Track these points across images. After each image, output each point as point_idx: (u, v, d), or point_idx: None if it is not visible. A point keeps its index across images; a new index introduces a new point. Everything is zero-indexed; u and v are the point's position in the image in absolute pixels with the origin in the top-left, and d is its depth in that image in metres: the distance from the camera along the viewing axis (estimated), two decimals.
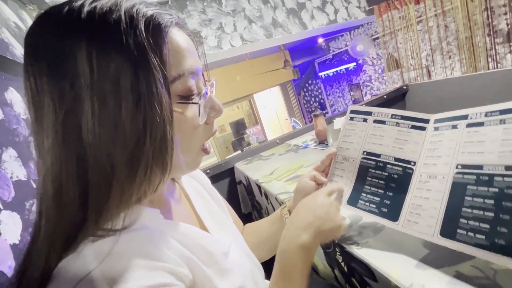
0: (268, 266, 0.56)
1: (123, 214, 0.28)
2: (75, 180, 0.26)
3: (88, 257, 0.25)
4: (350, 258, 0.45)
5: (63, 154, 0.26)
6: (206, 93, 0.34)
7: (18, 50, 0.75)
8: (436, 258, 0.38)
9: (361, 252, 0.43)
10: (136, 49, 0.26)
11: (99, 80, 0.25)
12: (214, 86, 0.39)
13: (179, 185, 0.46)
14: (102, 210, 0.27)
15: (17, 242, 0.53)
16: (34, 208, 0.61)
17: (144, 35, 0.27)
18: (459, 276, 0.34)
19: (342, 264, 0.49)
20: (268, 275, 0.50)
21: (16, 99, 0.68)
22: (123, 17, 0.26)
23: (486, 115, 0.36)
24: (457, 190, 0.35)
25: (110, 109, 0.26)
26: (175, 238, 0.32)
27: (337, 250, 0.49)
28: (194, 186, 0.50)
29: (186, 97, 0.31)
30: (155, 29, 0.28)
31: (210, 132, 0.37)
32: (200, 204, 0.46)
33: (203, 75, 0.37)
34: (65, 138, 0.26)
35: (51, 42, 0.26)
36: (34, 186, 0.64)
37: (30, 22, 0.94)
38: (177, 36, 0.31)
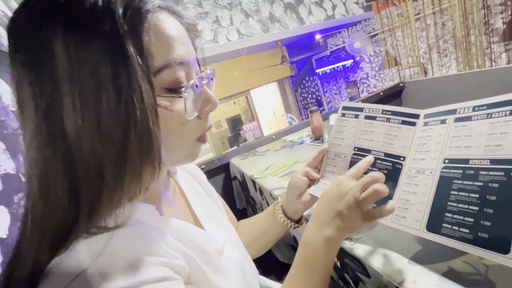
0: (260, 263, 0.56)
1: (117, 211, 0.27)
2: (63, 177, 0.25)
3: (81, 254, 0.24)
4: (343, 253, 0.45)
5: (47, 150, 0.25)
6: (197, 86, 0.32)
7: (6, 40, 0.73)
8: (428, 254, 0.38)
9: (354, 247, 0.43)
10: (113, 36, 0.24)
11: (78, 71, 0.24)
12: (213, 77, 0.36)
13: (174, 180, 0.45)
14: (94, 208, 0.25)
15: (4, 236, 0.51)
16: (22, 202, 0.59)
17: (122, 20, 0.24)
18: (451, 271, 0.34)
19: (335, 259, 0.49)
20: (260, 271, 0.50)
21: (5, 90, 0.66)
22: (100, 1, 0.24)
23: (473, 110, 0.36)
24: (444, 185, 0.36)
25: (91, 102, 0.24)
26: (170, 234, 0.32)
27: None
28: (190, 182, 0.49)
29: (174, 90, 0.29)
30: (135, 14, 0.26)
31: (204, 127, 0.35)
32: (195, 200, 0.45)
33: (199, 65, 0.35)
34: (48, 133, 0.25)
35: (29, 30, 0.24)
36: (23, 179, 0.63)
37: None
38: (163, 23, 0.28)
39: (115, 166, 0.25)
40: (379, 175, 0.36)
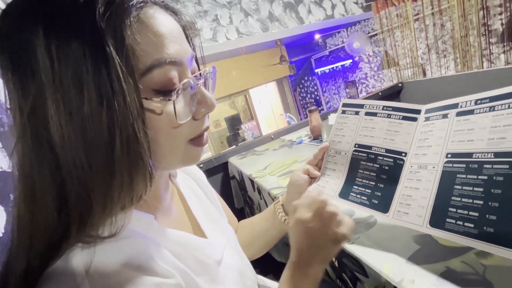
0: (258, 262, 0.56)
1: (111, 220, 0.26)
2: (51, 185, 0.24)
3: (77, 268, 0.23)
4: (341, 253, 0.45)
5: (34, 156, 0.24)
6: (192, 87, 0.30)
7: None
8: (426, 254, 0.38)
9: (352, 247, 0.43)
10: (92, 35, 0.23)
11: (60, 73, 0.22)
12: (213, 76, 0.35)
13: (174, 184, 0.44)
14: (85, 217, 0.24)
15: (0, 235, 0.51)
16: None
17: (102, 17, 0.23)
18: (449, 271, 0.34)
19: (333, 259, 0.49)
20: (258, 271, 0.50)
21: (1, 87, 0.66)
22: None
23: (476, 103, 0.36)
24: (447, 179, 0.35)
25: (74, 106, 0.23)
26: (167, 247, 0.31)
27: None
28: (189, 184, 0.48)
29: (165, 92, 0.27)
30: (116, 10, 0.24)
31: (199, 128, 0.32)
32: (195, 204, 0.44)
33: (197, 64, 0.33)
34: (33, 139, 0.24)
35: (12, 31, 0.24)
36: None
37: None
38: (152, 19, 0.26)
39: (101, 175, 0.24)
40: (325, 198, 0.35)
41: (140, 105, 0.25)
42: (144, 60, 0.25)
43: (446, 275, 0.34)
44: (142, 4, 0.26)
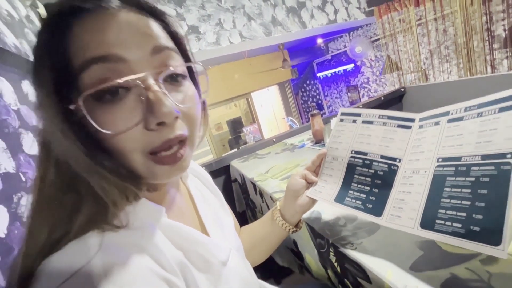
0: (259, 266, 0.56)
1: (126, 210, 0.27)
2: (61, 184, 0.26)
3: (92, 247, 0.25)
4: (344, 258, 0.45)
5: (41, 154, 0.27)
6: (140, 89, 0.26)
7: (9, 39, 0.73)
8: (430, 260, 0.37)
9: (355, 253, 0.43)
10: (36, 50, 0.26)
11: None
12: (196, 74, 0.33)
13: (185, 185, 0.45)
14: (100, 206, 0.26)
15: (3, 236, 0.51)
16: (22, 202, 0.59)
17: (42, 32, 0.26)
18: (454, 278, 0.34)
19: (336, 264, 0.49)
20: (259, 275, 0.50)
21: (6, 89, 0.66)
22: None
23: (465, 110, 0.38)
24: (437, 183, 0.36)
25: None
26: (174, 242, 0.31)
27: (331, 250, 0.49)
28: (198, 187, 0.48)
29: (97, 96, 0.25)
30: (51, 20, 0.26)
31: (154, 142, 0.27)
32: (203, 207, 0.44)
33: (192, 72, 0.33)
34: (40, 142, 0.28)
35: None
36: (23, 178, 0.63)
37: (22, 10, 0.92)
38: (84, 24, 0.25)
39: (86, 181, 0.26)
40: None
41: (59, 120, 0.25)
42: (73, 66, 0.25)
43: (451, 282, 0.33)
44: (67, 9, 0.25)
